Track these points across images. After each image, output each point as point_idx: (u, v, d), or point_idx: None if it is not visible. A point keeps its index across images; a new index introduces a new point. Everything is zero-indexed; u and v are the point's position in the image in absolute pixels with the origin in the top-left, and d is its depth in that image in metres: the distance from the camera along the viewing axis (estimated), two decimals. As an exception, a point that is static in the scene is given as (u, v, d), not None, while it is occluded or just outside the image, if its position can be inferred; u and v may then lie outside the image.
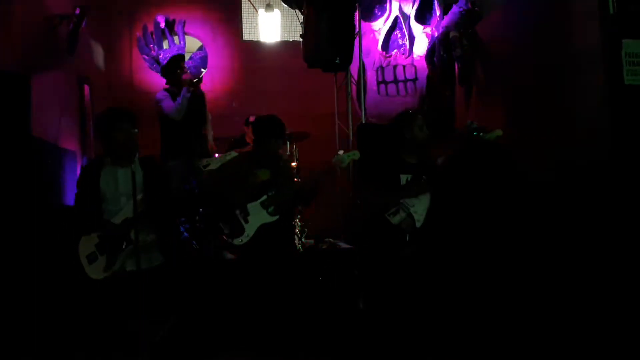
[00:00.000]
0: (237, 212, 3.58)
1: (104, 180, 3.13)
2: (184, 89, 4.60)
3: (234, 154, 3.50)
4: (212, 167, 3.35)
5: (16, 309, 3.22)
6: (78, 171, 4.54)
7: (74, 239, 3.09)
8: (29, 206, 3.44)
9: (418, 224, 3.41)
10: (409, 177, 3.53)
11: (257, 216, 3.60)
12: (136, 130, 3.20)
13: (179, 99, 4.62)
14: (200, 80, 6.52)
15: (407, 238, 3.42)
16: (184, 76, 4.75)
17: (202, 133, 4.82)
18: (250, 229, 3.56)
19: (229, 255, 4.38)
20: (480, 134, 3.44)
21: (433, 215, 3.47)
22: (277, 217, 3.61)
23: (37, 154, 3.76)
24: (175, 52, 6.06)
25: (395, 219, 3.44)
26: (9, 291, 3.22)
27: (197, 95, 4.85)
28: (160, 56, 6.17)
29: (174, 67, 4.86)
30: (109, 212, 3.10)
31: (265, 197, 3.61)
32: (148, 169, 3.22)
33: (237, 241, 3.56)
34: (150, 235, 3.15)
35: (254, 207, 3.60)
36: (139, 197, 3.03)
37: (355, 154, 3.69)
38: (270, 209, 3.60)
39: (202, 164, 3.34)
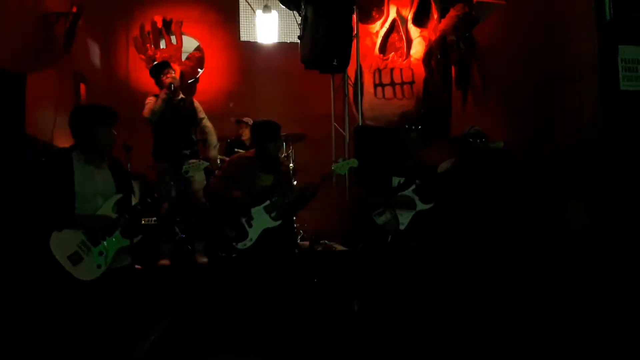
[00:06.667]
0: (242, 216, 3.61)
1: (79, 179, 2.94)
2: (162, 91, 4.53)
3: (204, 163, 3.52)
4: (192, 174, 3.38)
5: (14, 310, 3.19)
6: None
7: (45, 236, 2.85)
8: (22, 205, 3.41)
9: (402, 227, 3.43)
10: (402, 180, 3.54)
11: (261, 221, 3.63)
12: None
13: (156, 100, 4.53)
14: (196, 80, 6.54)
15: (389, 239, 3.43)
16: (168, 79, 4.58)
17: (192, 137, 4.72)
18: (253, 233, 3.61)
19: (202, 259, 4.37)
20: (478, 140, 3.45)
21: (439, 219, 3.48)
22: (279, 221, 3.64)
23: (31, 153, 3.73)
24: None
25: (381, 220, 3.48)
26: (6, 292, 3.19)
27: (186, 101, 4.77)
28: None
29: (156, 73, 4.78)
30: (83, 212, 2.93)
31: (268, 202, 3.65)
32: (117, 171, 3.13)
33: (241, 245, 3.58)
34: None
35: (257, 211, 3.65)
36: (118, 197, 2.99)
37: (354, 162, 3.70)
38: (273, 214, 3.65)
39: (183, 171, 3.32)
